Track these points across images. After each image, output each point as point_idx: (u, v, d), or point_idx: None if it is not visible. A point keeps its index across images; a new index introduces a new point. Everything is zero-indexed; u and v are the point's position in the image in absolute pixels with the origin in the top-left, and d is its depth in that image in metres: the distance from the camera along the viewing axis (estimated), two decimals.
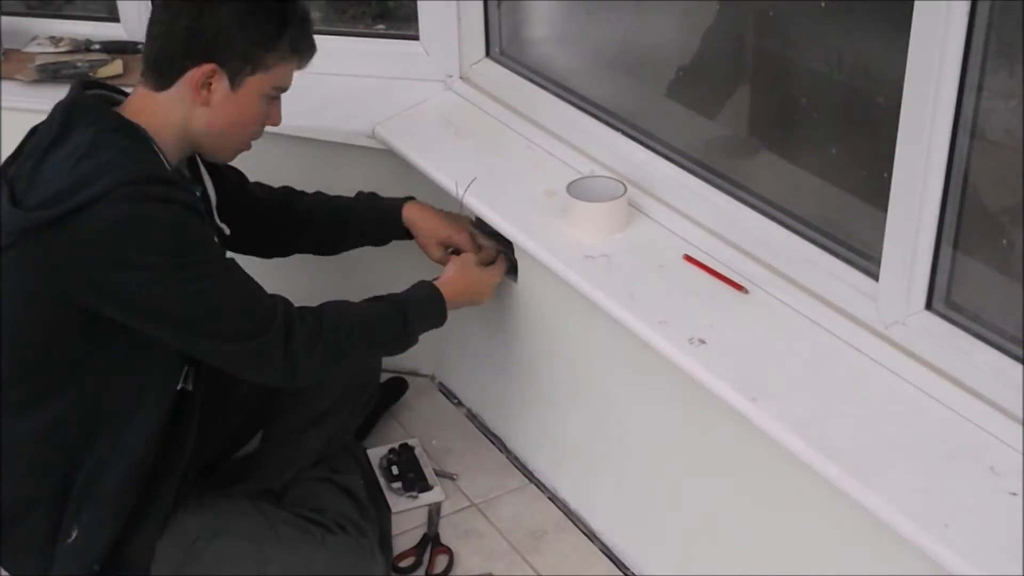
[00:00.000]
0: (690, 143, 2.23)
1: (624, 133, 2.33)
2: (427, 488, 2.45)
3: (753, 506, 1.94)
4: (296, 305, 2.00)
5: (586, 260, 2.12)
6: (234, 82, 1.94)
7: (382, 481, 2.47)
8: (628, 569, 2.30)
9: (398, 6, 2.76)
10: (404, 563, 2.30)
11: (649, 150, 2.28)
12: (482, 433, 2.65)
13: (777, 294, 1.98)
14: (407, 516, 2.41)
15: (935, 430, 1.70)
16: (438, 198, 2.39)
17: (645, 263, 2.10)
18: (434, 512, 2.41)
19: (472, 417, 2.70)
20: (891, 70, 1.71)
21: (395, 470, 2.48)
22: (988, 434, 1.68)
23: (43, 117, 2.64)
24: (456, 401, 2.75)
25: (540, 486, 2.50)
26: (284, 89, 2.03)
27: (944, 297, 1.79)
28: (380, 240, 2.38)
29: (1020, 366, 1.68)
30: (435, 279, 2.21)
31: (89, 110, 1.91)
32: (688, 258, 2.09)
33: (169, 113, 1.94)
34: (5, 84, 2.74)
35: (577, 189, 2.19)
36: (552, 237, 2.18)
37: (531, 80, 2.55)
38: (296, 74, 2.02)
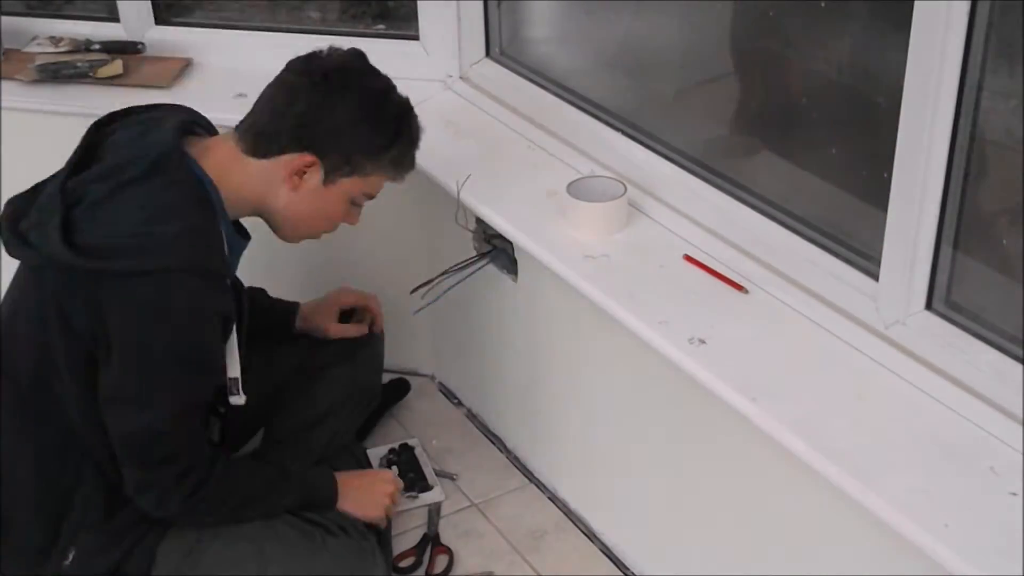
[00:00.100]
0: (690, 143, 2.23)
1: (624, 133, 2.33)
2: (427, 488, 2.45)
3: (753, 506, 1.94)
4: (208, 457, 1.98)
5: (586, 260, 2.12)
6: (328, 178, 1.97)
7: None
8: (628, 569, 2.30)
9: (398, 6, 2.76)
10: (404, 563, 2.30)
11: (649, 150, 2.28)
12: (482, 433, 2.65)
13: (777, 294, 1.98)
14: (407, 516, 2.41)
15: (935, 430, 1.70)
16: (438, 198, 2.39)
17: (645, 263, 2.10)
18: (434, 512, 2.41)
19: (472, 417, 2.70)
20: (891, 70, 1.71)
21: (395, 470, 2.48)
22: (988, 434, 1.68)
23: (43, 117, 2.66)
24: (456, 401, 2.75)
25: (540, 486, 2.50)
26: (372, 197, 2.06)
27: (944, 297, 1.79)
28: (270, 334, 2.34)
29: (1020, 366, 1.68)
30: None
31: (179, 167, 1.89)
32: (688, 258, 2.09)
33: (251, 180, 1.96)
34: (5, 84, 2.73)
35: (577, 189, 2.19)
36: (552, 237, 2.18)
37: (531, 80, 2.55)
38: None
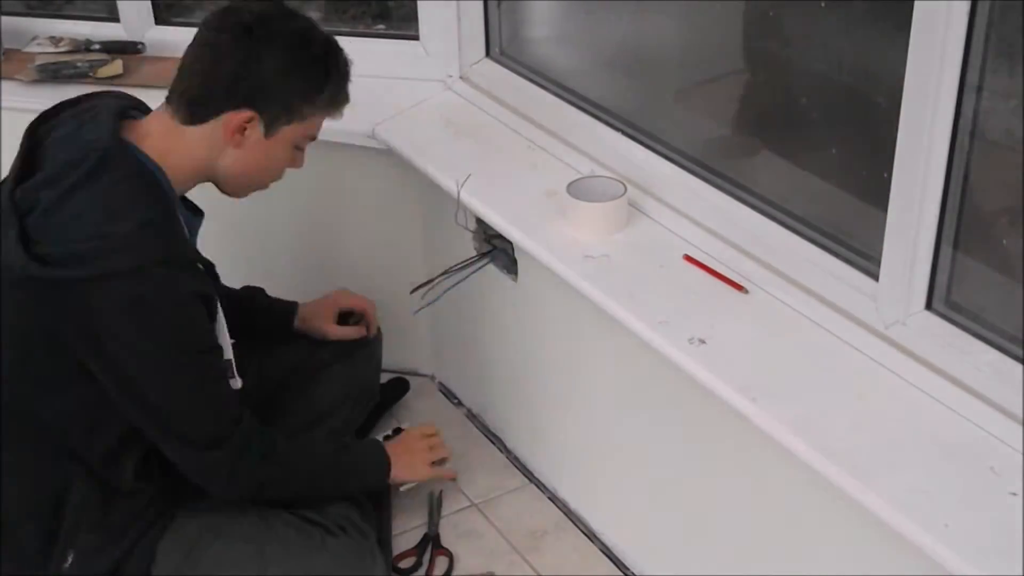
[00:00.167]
0: (690, 143, 2.23)
1: (624, 133, 2.33)
2: None
3: (753, 506, 1.94)
4: (258, 427, 2.01)
5: (586, 260, 2.12)
6: (269, 130, 1.96)
7: None
8: (628, 569, 2.30)
9: (398, 6, 2.76)
10: (404, 563, 2.30)
11: (649, 150, 2.28)
12: (482, 433, 2.65)
13: (777, 294, 1.98)
14: (407, 516, 2.41)
15: (935, 430, 1.70)
16: (438, 197, 2.39)
17: (645, 263, 2.10)
18: (434, 512, 2.41)
19: (472, 417, 2.70)
20: (891, 70, 1.70)
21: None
22: (988, 434, 1.68)
23: None
24: (456, 401, 2.75)
25: (540, 486, 2.50)
26: (314, 138, 2.06)
27: (944, 297, 1.78)
28: (269, 335, 2.37)
29: (1020, 366, 1.68)
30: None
31: (123, 160, 1.88)
32: (688, 258, 2.09)
33: (194, 149, 1.94)
34: (5, 84, 2.73)
35: (577, 189, 2.19)
36: (552, 237, 2.18)
37: (531, 80, 2.55)
38: None
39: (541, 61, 2.57)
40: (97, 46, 2.83)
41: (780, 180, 2.09)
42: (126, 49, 2.83)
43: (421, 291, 2.42)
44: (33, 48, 2.86)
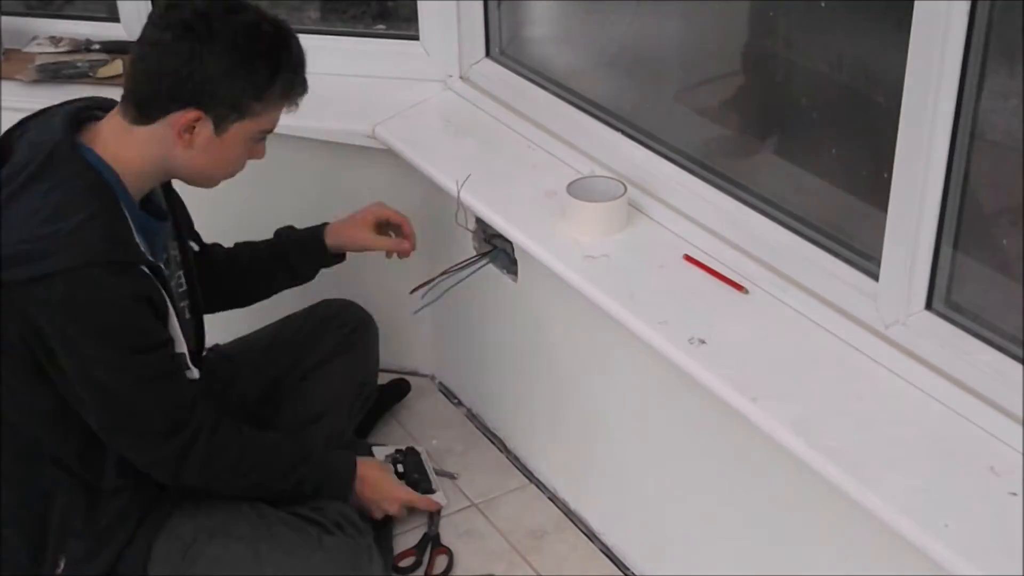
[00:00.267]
0: (690, 143, 2.23)
1: (624, 133, 2.33)
2: (430, 491, 2.44)
3: (753, 506, 1.94)
4: (210, 413, 2.00)
5: (586, 260, 2.12)
6: (219, 128, 1.91)
7: None
8: (628, 569, 2.30)
9: (398, 6, 2.76)
10: (404, 563, 2.30)
11: (649, 150, 2.28)
12: (482, 433, 2.65)
13: (777, 294, 1.98)
14: (407, 516, 2.40)
15: (935, 430, 1.70)
16: (438, 197, 2.39)
17: (645, 263, 2.10)
18: (435, 513, 2.41)
19: (472, 417, 2.70)
20: (891, 70, 1.70)
21: (400, 468, 2.47)
22: (988, 434, 1.68)
23: None
24: (456, 401, 2.75)
25: (540, 486, 2.50)
26: (270, 131, 2.00)
27: (944, 297, 1.79)
28: (309, 267, 2.36)
29: (1020, 366, 1.68)
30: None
31: (70, 160, 1.86)
32: (688, 258, 2.09)
33: (146, 148, 1.91)
34: (5, 84, 2.73)
35: (577, 189, 2.19)
36: (552, 237, 2.18)
37: (531, 80, 2.55)
38: None
39: (541, 61, 2.57)
40: (97, 46, 2.83)
41: (780, 180, 2.09)
42: (126, 49, 2.82)
43: (421, 291, 2.41)
44: (33, 48, 2.86)
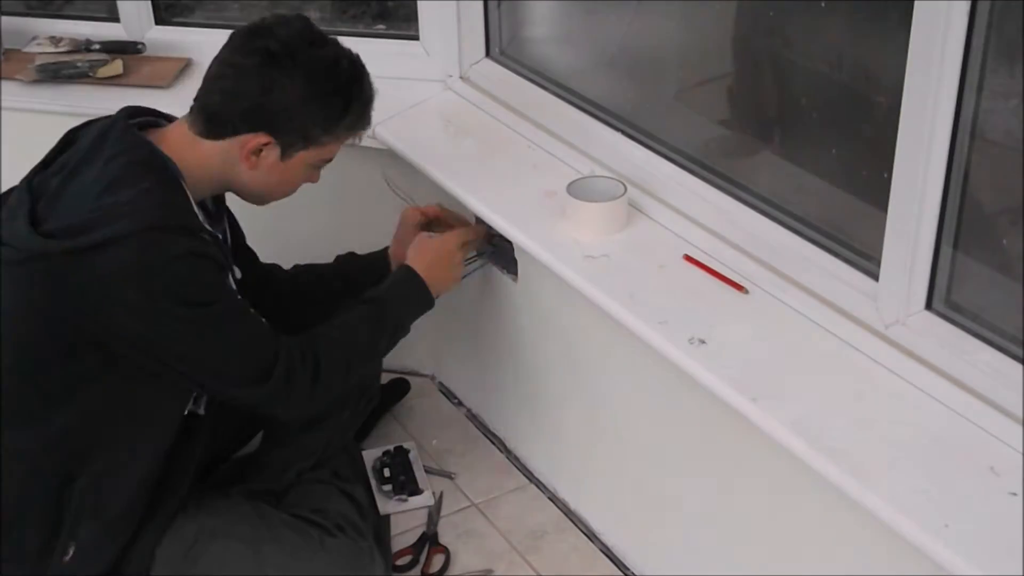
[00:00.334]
0: (690, 143, 2.23)
1: (624, 133, 2.33)
2: (416, 492, 2.45)
3: (753, 506, 1.94)
4: (295, 344, 2.01)
5: (586, 260, 2.12)
6: (285, 154, 1.97)
7: (373, 483, 2.47)
8: (628, 569, 2.30)
9: (398, 6, 2.76)
10: (400, 561, 2.31)
11: (649, 150, 2.28)
12: (482, 433, 2.65)
13: (777, 294, 1.98)
14: (408, 515, 2.41)
15: (935, 430, 1.70)
16: (438, 197, 2.39)
17: (645, 263, 2.10)
18: (434, 511, 2.41)
19: (472, 417, 2.70)
20: (891, 70, 1.71)
21: (387, 472, 2.48)
22: (988, 434, 1.68)
23: (43, 117, 2.66)
24: (456, 401, 2.75)
25: (540, 486, 2.50)
26: (329, 161, 2.06)
27: (944, 297, 1.79)
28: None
29: (1020, 366, 1.68)
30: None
31: (121, 137, 1.91)
32: (688, 258, 2.09)
33: (210, 161, 1.95)
34: (5, 84, 2.73)
35: (577, 189, 2.19)
36: (552, 237, 2.18)
37: (531, 80, 2.55)
38: None
39: (541, 61, 2.57)
40: (97, 46, 2.83)
41: (780, 180, 2.09)
42: (126, 49, 2.83)
43: None
44: (33, 48, 2.86)
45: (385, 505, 2.42)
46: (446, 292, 2.25)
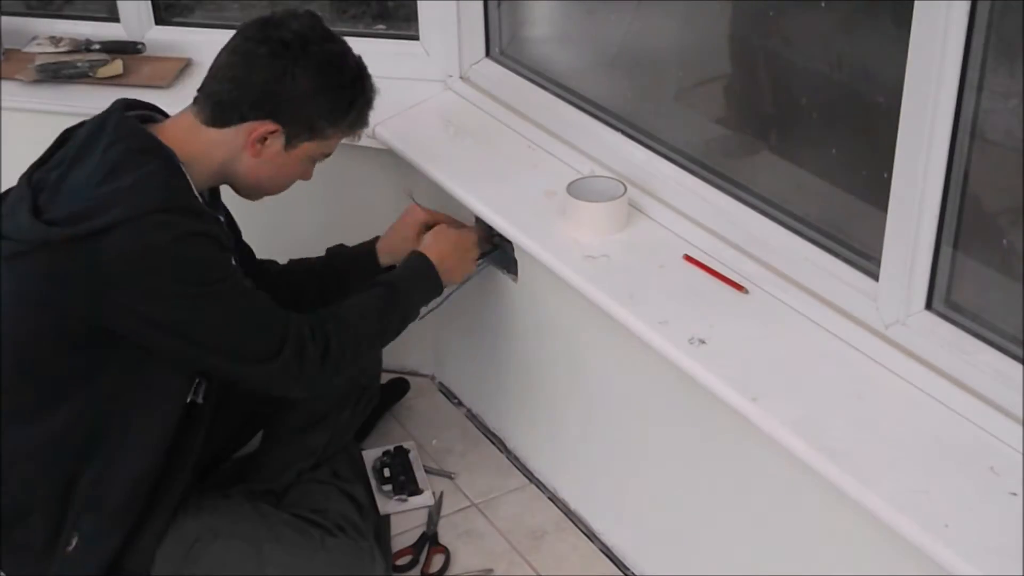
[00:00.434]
0: (690, 143, 2.23)
1: (624, 133, 2.33)
2: (416, 492, 2.45)
3: (753, 506, 1.94)
4: (305, 320, 2.01)
5: (586, 260, 2.12)
6: (289, 144, 2.00)
7: (373, 483, 2.47)
8: (628, 569, 2.30)
9: (398, 6, 2.76)
10: (400, 561, 2.31)
11: (649, 150, 2.28)
12: (482, 433, 2.65)
13: (777, 294, 1.98)
14: (408, 515, 2.41)
15: (935, 430, 1.70)
16: (437, 198, 2.39)
17: (645, 263, 2.10)
18: (433, 511, 2.41)
19: (472, 417, 2.70)
20: (891, 70, 1.71)
21: (387, 472, 2.48)
22: (988, 434, 1.68)
23: (43, 117, 2.66)
24: (456, 401, 2.75)
25: (540, 486, 2.50)
26: (327, 156, 2.10)
27: (944, 297, 1.79)
28: (363, 283, 2.31)
29: (1020, 366, 1.68)
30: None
31: (118, 126, 1.92)
32: (688, 258, 2.09)
33: (213, 149, 1.97)
34: (5, 84, 2.73)
35: (577, 189, 2.19)
36: (552, 237, 2.18)
37: (531, 80, 2.55)
38: None
39: (541, 61, 2.57)
40: (97, 46, 2.83)
41: (780, 180, 2.09)
42: (126, 49, 2.83)
43: None
44: (33, 48, 2.86)
45: (385, 505, 2.42)
46: (453, 283, 2.29)
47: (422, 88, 2.64)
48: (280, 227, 2.57)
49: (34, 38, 2.89)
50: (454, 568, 2.31)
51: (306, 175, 2.11)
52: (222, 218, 2.08)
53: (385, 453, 2.54)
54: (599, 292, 2.05)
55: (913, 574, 1.61)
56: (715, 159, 2.19)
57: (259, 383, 2.01)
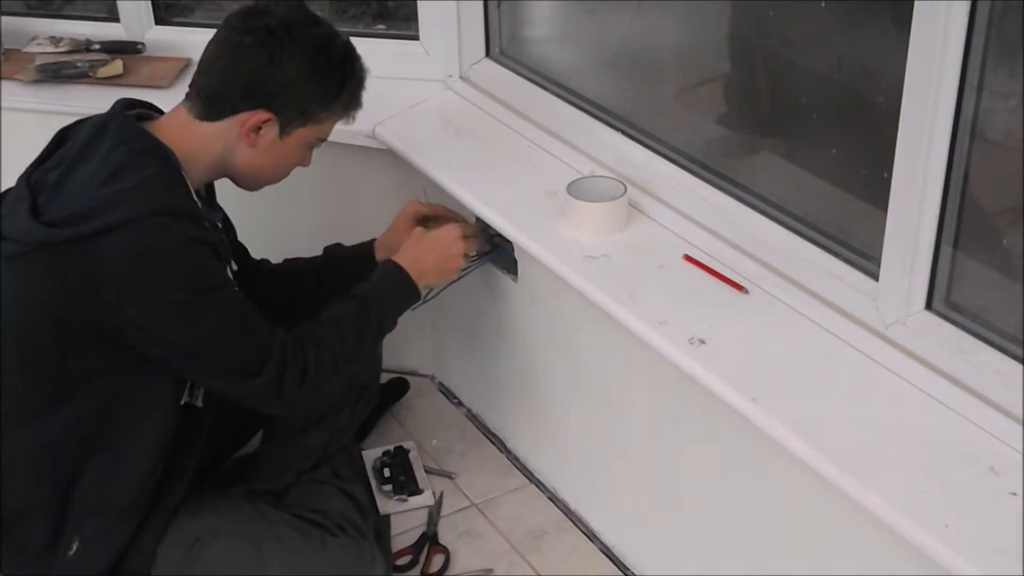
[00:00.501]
0: (690, 143, 2.23)
1: (624, 133, 2.33)
2: (416, 492, 2.45)
3: (753, 506, 1.94)
4: (289, 339, 1.99)
5: (586, 260, 2.12)
6: (284, 131, 1.99)
7: (373, 483, 2.47)
8: (628, 569, 2.30)
9: (398, 6, 2.76)
10: (400, 561, 2.31)
11: (649, 150, 2.28)
12: (482, 433, 2.65)
13: (777, 294, 1.98)
14: (408, 515, 2.41)
15: (935, 430, 1.70)
16: (438, 198, 2.39)
17: (645, 263, 2.10)
18: (434, 511, 2.41)
19: (472, 417, 2.70)
20: (891, 70, 1.71)
21: (387, 472, 2.48)
22: (988, 434, 1.68)
23: (43, 117, 2.66)
24: (456, 401, 2.75)
25: (540, 486, 2.50)
26: (324, 141, 2.09)
27: (944, 297, 1.79)
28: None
29: (1020, 366, 1.68)
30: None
31: (121, 128, 1.92)
32: (688, 258, 2.09)
33: (208, 143, 1.97)
34: (5, 84, 2.74)
35: (577, 189, 2.19)
36: (552, 237, 2.18)
37: (531, 80, 2.55)
38: None
39: (541, 61, 2.57)
40: (97, 46, 2.83)
41: (780, 180, 2.09)
42: (126, 49, 2.83)
43: None
44: (33, 48, 2.86)
45: (385, 505, 2.42)
46: (438, 283, 2.26)
47: (422, 88, 2.64)
48: (280, 227, 2.57)
49: (34, 38, 2.90)
50: (454, 568, 2.31)
51: (304, 161, 2.10)
52: (219, 218, 2.07)
53: (385, 453, 2.54)
54: (599, 292, 2.05)
55: (913, 574, 1.61)
56: (715, 159, 2.19)
57: (238, 396, 1.99)
